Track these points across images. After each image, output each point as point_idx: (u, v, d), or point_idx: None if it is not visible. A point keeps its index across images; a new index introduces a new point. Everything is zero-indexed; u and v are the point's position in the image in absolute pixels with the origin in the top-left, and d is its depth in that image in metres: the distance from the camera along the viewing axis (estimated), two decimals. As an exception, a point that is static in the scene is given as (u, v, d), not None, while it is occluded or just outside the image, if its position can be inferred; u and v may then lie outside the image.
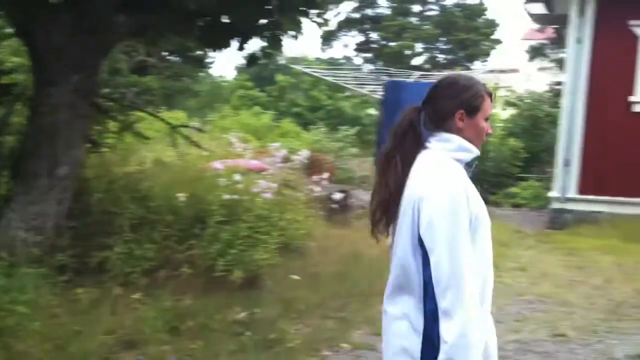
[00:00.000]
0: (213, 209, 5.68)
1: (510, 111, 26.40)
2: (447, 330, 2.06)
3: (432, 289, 2.11)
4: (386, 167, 2.30)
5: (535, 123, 22.85)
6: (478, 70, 38.89)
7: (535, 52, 32.19)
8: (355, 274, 6.49)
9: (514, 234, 10.28)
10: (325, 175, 7.30)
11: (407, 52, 36.50)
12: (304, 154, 7.33)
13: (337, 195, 7.60)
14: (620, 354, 5.14)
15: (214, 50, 6.14)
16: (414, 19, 37.62)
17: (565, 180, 11.06)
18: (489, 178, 19.93)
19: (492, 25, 37.04)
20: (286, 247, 6.36)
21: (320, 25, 5.99)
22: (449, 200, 2.13)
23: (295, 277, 5.90)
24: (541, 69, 32.87)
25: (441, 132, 2.29)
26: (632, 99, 10.62)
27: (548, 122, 16.12)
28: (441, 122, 2.29)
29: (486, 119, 2.32)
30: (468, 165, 2.30)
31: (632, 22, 10.54)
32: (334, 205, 7.68)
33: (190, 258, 5.43)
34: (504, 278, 7.27)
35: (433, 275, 2.11)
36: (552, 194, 11.39)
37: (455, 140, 2.28)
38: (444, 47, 37.56)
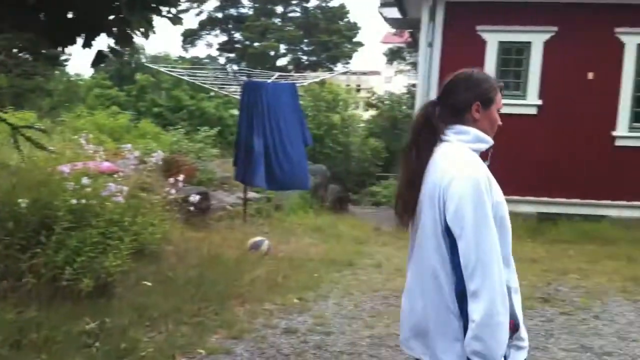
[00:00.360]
0: (59, 215, 5.38)
1: (371, 112, 27.23)
2: (474, 310, 2.22)
3: (461, 272, 2.26)
4: (404, 161, 2.45)
5: (395, 123, 23.72)
6: (340, 72, 39.71)
7: (394, 55, 33.37)
8: (213, 277, 6.40)
9: (371, 231, 10.55)
10: (181, 177, 7.12)
11: (271, 52, 36.66)
12: (158, 156, 7.12)
13: (194, 197, 7.45)
14: (467, 342, 5.39)
15: (57, 47, 5.82)
16: (277, 20, 37.84)
17: (419, 179, 11.48)
18: (352, 177, 20.47)
19: (353, 28, 38.01)
20: (140, 252, 6.15)
21: (174, 22, 5.82)
22: (472, 187, 2.26)
23: (148, 283, 5.73)
24: (399, 71, 34.08)
25: (457, 125, 2.42)
26: (481, 100, 11.21)
27: (407, 122, 16.72)
28: (458, 115, 2.43)
29: (498, 111, 2.47)
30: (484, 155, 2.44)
31: (479, 27, 11.13)
32: (192, 208, 7.53)
33: (35, 267, 5.12)
34: (360, 275, 7.44)
35: (462, 259, 2.25)
36: (409, 191, 11.79)
37: (472, 131, 2.42)
38: (307, 48, 38.08)
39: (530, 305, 6.44)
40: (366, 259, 8.31)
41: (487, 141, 2.46)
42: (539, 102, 11.09)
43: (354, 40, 38.29)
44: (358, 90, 42.64)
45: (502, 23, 11.07)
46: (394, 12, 13.12)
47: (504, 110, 9.12)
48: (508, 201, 9.32)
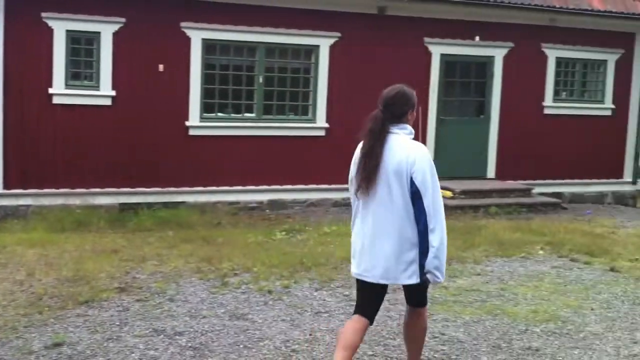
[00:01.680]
0: None
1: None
2: (434, 239, 3.79)
3: (422, 218, 3.78)
4: (371, 151, 3.86)
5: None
6: None
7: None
8: None
9: None
10: None
11: None
12: None
13: None
14: (39, 345, 5.09)
15: None
16: None
17: (-13, 176, 10.54)
18: None
19: None
20: None
21: None
22: (429, 162, 3.83)
23: None
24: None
25: (400, 124, 3.95)
26: (51, 90, 10.70)
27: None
28: (400, 117, 3.95)
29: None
30: None
31: (45, 14, 10.55)
32: None
33: None
34: None
35: (426, 209, 3.76)
36: (-23, 191, 10.73)
37: (409, 127, 3.98)
38: None
39: (107, 297, 6.38)
40: None
41: (413, 133, 4.00)
42: (113, 93, 11.04)
43: None
44: None
45: (70, 11, 10.68)
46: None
47: (77, 101, 8.84)
48: (87, 194, 9.13)
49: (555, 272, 7.80)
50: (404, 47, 12.80)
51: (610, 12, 13.89)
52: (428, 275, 3.84)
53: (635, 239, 10.07)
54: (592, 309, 6.38)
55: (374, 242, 3.91)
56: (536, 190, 13.49)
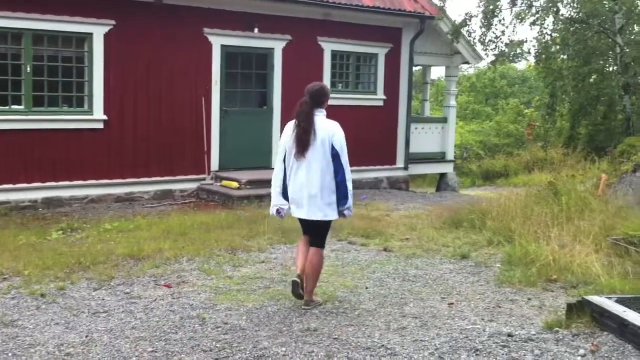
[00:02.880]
0: None
1: None
2: (348, 186, 5.77)
3: (340, 171, 5.71)
4: (306, 126, 5.69)
5: None
6: None
7: None
8: None
9: None
10: None
11: None
12: None
13: None
14: None
15: None
16: None
17: None
18: None
19: None
20: None
21: None
22: (342, 134, 5.77)
23: None
24: None
25: (319, 109, 5.81)
26: None
27: None
28: (320, 105, 5.81)
29: None
30: None
31: None
32: None
33: None
34: None
35: (343, 165, 5.71)
36: None
37: (324, 111, 5.85)
38: None
39: None
40: None
41: (326, 114, 5.86)
42: None
43: None
44: None
45: None
46: None
47: None
48: None
49: (335, 255, 8.16)
50: (184, 37, 12.60)
51: (379, 8, 14.80)
52: (345, 212, 5.80)
53: (406, 220, 10.85)
54: (366, 288, 6.76)
55: (305, 190, 5.73)
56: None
